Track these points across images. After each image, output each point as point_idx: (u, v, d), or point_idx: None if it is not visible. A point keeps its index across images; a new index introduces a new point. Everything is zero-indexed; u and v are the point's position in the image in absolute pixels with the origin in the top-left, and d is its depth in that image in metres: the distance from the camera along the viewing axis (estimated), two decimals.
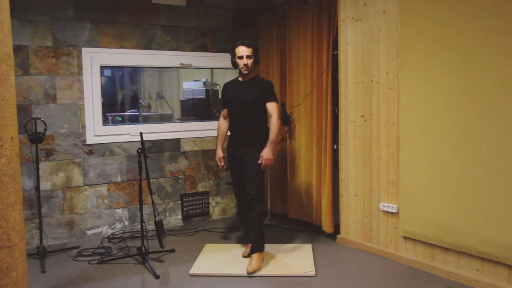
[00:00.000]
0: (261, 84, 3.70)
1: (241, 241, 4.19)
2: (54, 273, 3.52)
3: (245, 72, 3.61)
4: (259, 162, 3.54)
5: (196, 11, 4.90)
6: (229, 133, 3.84)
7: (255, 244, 3.54)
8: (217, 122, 3.98)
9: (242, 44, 3.60)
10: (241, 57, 3.58)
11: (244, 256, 3.76)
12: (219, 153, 3.84)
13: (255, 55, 3.63)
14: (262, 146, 3.58)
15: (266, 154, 3.53)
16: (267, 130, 3.64)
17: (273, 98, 3.65)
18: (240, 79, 3.74)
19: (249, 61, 3.58)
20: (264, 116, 3.69)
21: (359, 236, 3.96)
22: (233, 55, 3.64)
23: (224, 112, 3.85)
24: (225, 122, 3.85)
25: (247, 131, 3.66)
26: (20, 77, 4.03)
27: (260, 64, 4.43)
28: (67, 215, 4.30)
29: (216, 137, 3.95)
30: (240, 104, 3.67)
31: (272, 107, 3.61)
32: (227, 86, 3.85)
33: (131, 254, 3.84)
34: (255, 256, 3.52)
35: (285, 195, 4.89)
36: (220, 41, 5.06)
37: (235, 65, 3.67)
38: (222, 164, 3.84)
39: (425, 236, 3.37)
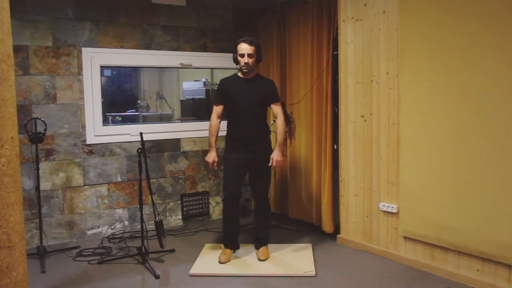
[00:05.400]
0: (266, 84, 3.67)
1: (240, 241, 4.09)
2: (54, 273, 3.52)
3: (245, 70, 3.53)
4: (270, 164, 3.59)
5: (196, 11, 4.90)
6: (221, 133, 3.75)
7: (265, 240, 3.83)
8: None
9: (244, 42, 3.49)
10: (242, 55, 3.49)
11: (221, 262, 3.60)
12: (215, 156, 3.66)
13: (257, 54, 3.53)
14: (269, 147, 3.65)
15: (277, 155, 3.59)
16: (268, 129, 3.64)
17: (278, 99, 3.68)
18: (240, 75, 3.63)
19: (250, 60, 3.49)
20: (266, 115, 3.69)
21: (359, 236, 3.96)
22: (235, 51, 3.54)
23: (220, 109, 3.66)
24: (218, 122, 3.66)
25: (255, 132, 3.63)
26: (20, 77, 4.03)
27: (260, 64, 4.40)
28: (67, 215, 4.30)
29: (209, 137, 3.68)
30: (247, 103, 3.57)
31: (278, 109, 3.65)
32: (227, 83, 3.68)
33: (131, 254, 3.84)
34: (265, 247, 3.79)
35: (285, 195, 4.89)
36: (220, 41, 5.06)
37: (236, 61, 3.57)
38: (216, 166, 3.72)
39: (425, 236, 3.37)
